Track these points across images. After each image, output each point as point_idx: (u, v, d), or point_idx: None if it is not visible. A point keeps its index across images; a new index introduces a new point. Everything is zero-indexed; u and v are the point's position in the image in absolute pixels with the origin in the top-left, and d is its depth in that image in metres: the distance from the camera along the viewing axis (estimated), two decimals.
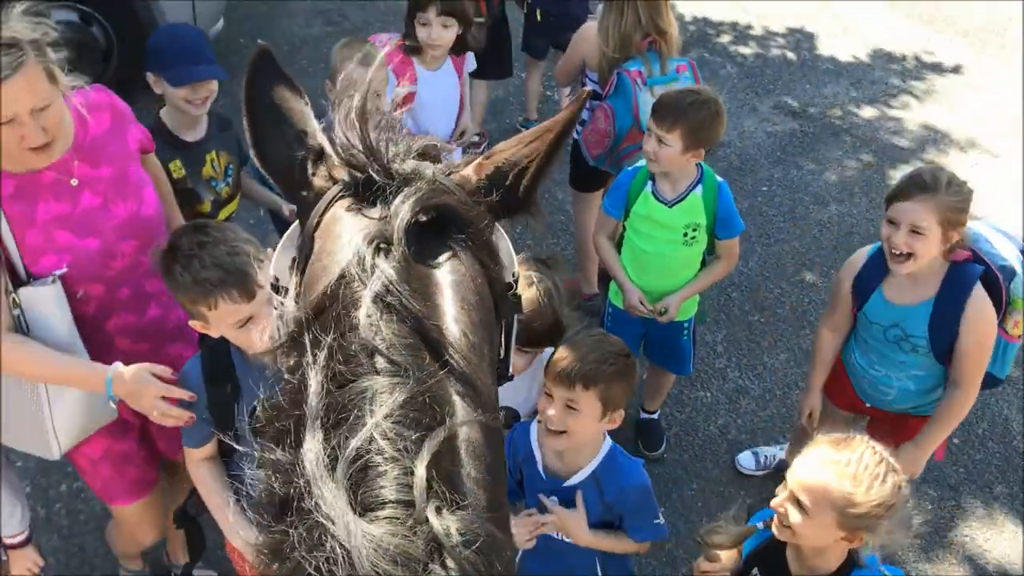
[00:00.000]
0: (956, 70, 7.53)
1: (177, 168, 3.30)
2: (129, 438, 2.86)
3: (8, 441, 2.71)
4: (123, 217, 2.59)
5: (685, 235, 3.68)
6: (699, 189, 3.65)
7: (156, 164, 2.88)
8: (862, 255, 3.33)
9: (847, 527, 2.28)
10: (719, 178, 3.72)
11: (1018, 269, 3.14)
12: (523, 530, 2.79)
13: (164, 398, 2.50)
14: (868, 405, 3.47)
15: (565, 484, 2.82)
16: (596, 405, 2.66)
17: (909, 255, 3.02)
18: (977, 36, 7.97)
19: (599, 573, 2.96)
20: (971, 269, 3.08)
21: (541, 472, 2.85)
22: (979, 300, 3.06)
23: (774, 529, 2.43)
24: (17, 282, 2.46)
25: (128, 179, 2.63)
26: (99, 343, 2.63)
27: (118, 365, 2.51)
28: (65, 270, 2.47)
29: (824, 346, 3.52)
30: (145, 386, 2.49)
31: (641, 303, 3.79)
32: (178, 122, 3.36)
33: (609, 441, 2.86)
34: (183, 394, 2.52)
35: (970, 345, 3.09)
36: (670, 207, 3.66)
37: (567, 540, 2.86)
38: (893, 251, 3.05)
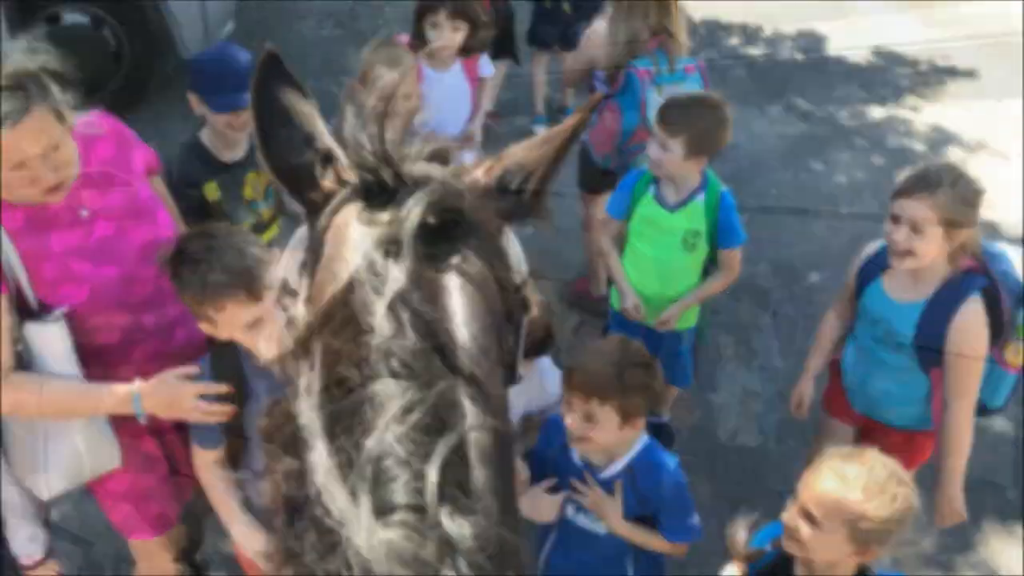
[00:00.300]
0: (966, 71, 7.50)
1: (212, 190, 3.26)
2: (154, 474, 2.82)
3: (11, 465, 2.69)
4: (140, 242, 2.57)
5: (685, 241, 3.67)
6: (701, 196, 3.65)
7: (160, 184, 2.86)
8: (875, 245, 3.32)
9: (858, 541, 2.27)
10: (723, 187, 3.71)
11: None
12: (550, 507, 2.83)
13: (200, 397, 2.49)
14: (858, 412, 3.43)
15: (600, 476, 2.83)
16: (614, 416, 2.67)
17: (909, 252, 2.99)
18: (987, 37, 7.94)
19: (629, 570, 2.96)
20: (972, 279, 3.03)
21: (576, 464, 2.86)
22: (971, 311, 2.99)
23: (784, 542, 2.43)
24: (30, 315, 2.43)
25: (140, 202, 2.61)
26: (125, 372, 2.59)
27: (138, 381, 2.49)
28: (65, 309, 2.43)
29: (825, 329, 3.51)
30: (179, 389, 2.48)
31: (636, 308, 3.79)
32: (218, 143, 3.32)
33: (646, 435, 2.86)
34: (220, 388, 2.51)
35: (955, 357, 3.02)
36: (671, 212, 3.66)
37: (598, 531, 2.87)
38: (893, 248, 3.03)
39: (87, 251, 2.47)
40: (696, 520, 2.88)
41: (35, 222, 2.40)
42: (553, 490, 2.90)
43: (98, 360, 2.51)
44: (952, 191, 2.91)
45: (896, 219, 3.00)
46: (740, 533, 2.58)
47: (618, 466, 2.81)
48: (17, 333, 2.39)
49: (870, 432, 3.41)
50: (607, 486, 2.81)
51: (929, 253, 2.97)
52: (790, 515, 2.38)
